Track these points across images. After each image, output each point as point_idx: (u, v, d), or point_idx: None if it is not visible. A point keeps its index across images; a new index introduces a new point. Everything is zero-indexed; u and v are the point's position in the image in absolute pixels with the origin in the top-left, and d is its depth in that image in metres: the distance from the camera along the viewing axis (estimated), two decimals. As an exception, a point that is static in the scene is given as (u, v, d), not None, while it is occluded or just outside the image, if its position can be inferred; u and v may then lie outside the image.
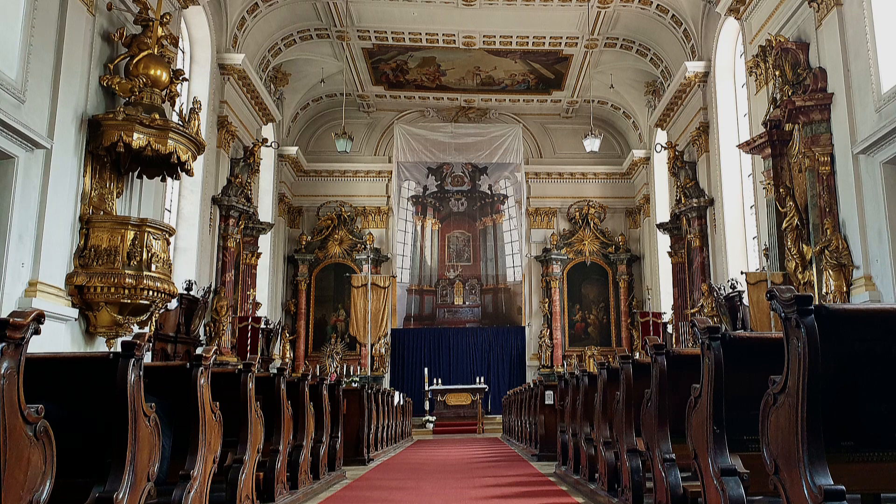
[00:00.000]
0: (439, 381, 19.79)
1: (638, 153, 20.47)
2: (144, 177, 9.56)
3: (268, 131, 18.25)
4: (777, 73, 10.86)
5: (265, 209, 18.08)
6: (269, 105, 17.25)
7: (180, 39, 11.64)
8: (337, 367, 19.34)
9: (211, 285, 14.06)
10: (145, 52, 9.10)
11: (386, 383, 19.42)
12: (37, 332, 2.51)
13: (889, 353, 2.76)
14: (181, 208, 13.86)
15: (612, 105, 21.11)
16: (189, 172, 9.40)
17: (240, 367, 4.78)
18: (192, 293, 12.71)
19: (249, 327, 15.14)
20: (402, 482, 7.29)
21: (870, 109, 9.17)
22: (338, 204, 21.36)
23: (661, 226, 17.85)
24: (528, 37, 17.60)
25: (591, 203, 21.61)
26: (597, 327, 21.07)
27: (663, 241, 18.36)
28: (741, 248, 14.55)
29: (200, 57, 14.33)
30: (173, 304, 11.35)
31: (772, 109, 11.13)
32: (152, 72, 9.02)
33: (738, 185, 14.77)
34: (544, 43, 17.82)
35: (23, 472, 2.45)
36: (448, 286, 23.22)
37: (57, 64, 8.09)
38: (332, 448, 7.76)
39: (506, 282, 23.29)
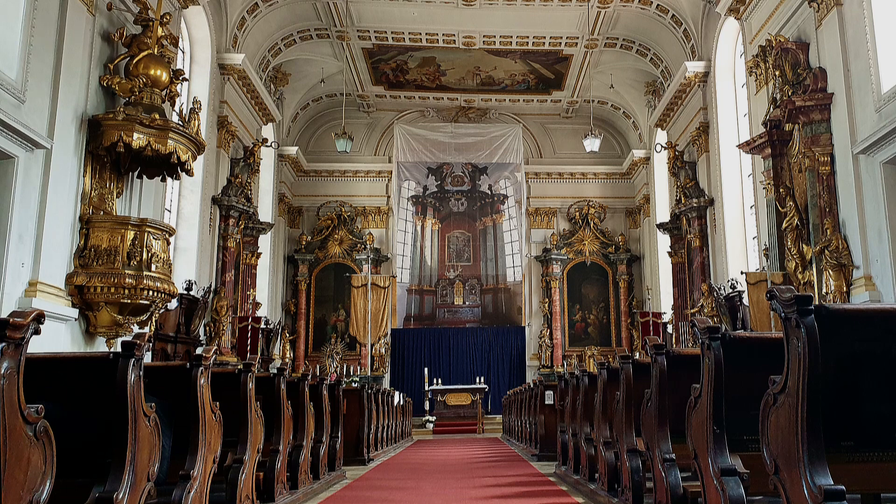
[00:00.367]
0: (439, 381, 19.79)
1: (638, 153, 20.48)
2: (144, 177, 9.56)
3: (268, 131, 18.25)
4: (777, 73, 10.86)
5: (265, 209, 18.08)
6: (269, 105, 17.25)
7: (180, 39, 11.64)
8: (337, 367, 19.34)
9: (211, 285, 14.06)
10: (145, 52, 9.10)
11: (386, 383, 19.42)
12: (37, 332, 2.51)
13: (889, 353, 2.76)
14: (181, 208, 13.86)
15: (612, 105, 21.11)
16: (189, 172, 9.40)
17: (240, 367, 4.77)
18: (192, 293, 12.71)
19: (249, 327, 15.14)
20: (402, 482, 7.29)
21: (870, 109, 9.17)
22: (338, 204, 21.36)
23: (661, 226, 17.85)
24: (528, 37, 17.60)
25: (591, 203, 21.61)
26: (597, 327, 21.07)
27: (663, 241, 18.36)
28: (741, 248, 14.55)
29: (200, 57, 14.33)
30: (173, 304, 11.35)
31: (772, 109, 11.13)
32: (152, 72, 9.02)
33: (738, 185, 14.77)
34: (544, 43, 17.82)
35: (23, 472, 2.45)
36: (448, 286, 23.22)
37: (57, 64, 8.09)
38: (332, 448, 7.76)
39: (506, 282, 23.29)
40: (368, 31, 17.30)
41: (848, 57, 9.66)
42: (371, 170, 21.82)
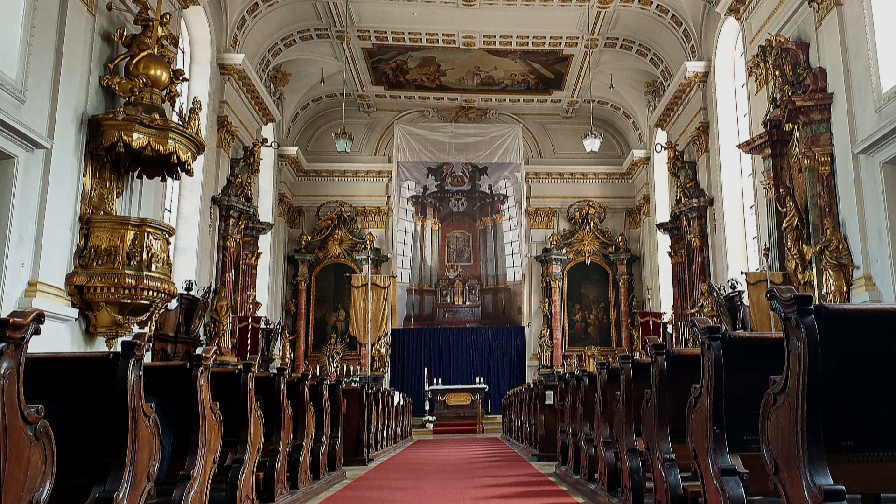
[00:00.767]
0: (439, 381, 19.79)
1: (638, 153, 20.48)
2: (144, 177, 9.56)
3: (268, 131, 18.25)
4: (777, 73, 10.86)
5: (265, 209, 18.08)
6: (269, 105, 17.25)
7: (180, 39, 11.64)
8: (337, 367, 19.34)
9: (211, 285, 14.06)
10: (145, 52, 9.10)
11: (386, 383, 19.42)
12: (37, 332, 2.51)
13: (889, 353, 2.76)
14: (181, 208, 13.86)
15: (612, 105, 21.11)
16: (189, 172, 9.40)
17: (240, 367, 4.77)
18: (192, 293, 12.71)
19: (249, 327, 15.14)
20: (402, 482, 7.29)
21: (870, 109, 9.17)
22: (338, 204, 21.36)
23: (661, 226, 17.85)
24: (528, 37, 17.60)
25: (591, 203, 21.61)
26: (597, 327, 21.07)
27: (663, 241, 18.36)
28: (741, 248, 14.55)
29: (200, 57, 14.33)
30: (173, 304, 11.35)
31: (772, 109, 11.13)
32: (152, 72, 9.02)
33: (738, 185, 14.77)
34: (544, 43, 17.82)
35: (23, 472, 2.45)
36: (448, 286, 23.22)
37: (57, 64, 8.09)
38: (332, 448, 7.76)
39: (506, 282, 23.29)
40: (368, 31, 17.30)
41: (848, 57, 9.66)
42: (371, 170, 21.82)
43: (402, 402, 14.90)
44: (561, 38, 17.60)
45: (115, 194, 9.11)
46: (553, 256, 20.99)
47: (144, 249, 8.51)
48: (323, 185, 21.66)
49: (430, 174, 23.18)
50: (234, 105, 15.47)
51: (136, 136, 8.50)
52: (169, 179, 10.00)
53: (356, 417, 9.72)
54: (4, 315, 2.45)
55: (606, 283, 21.21)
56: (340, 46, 17.89)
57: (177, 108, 9.59)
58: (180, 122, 9.14)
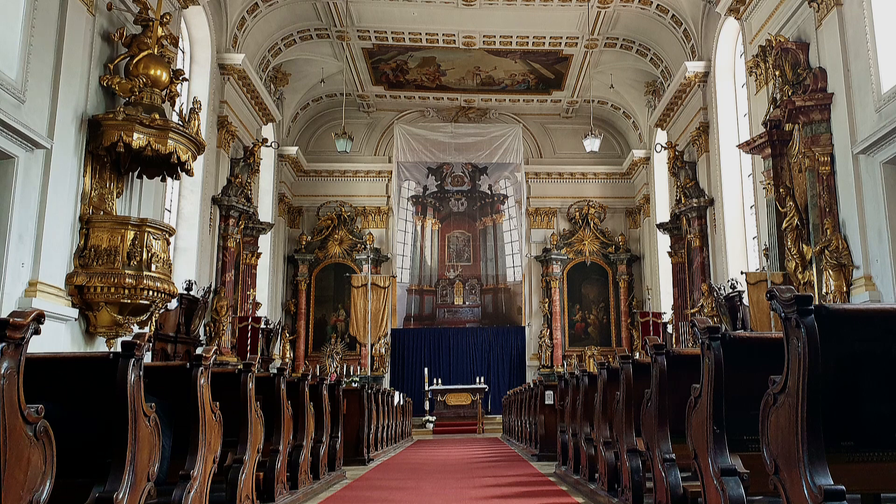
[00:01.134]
0: (439, 381, 19.79)
1: (638, 153, 20.48)
2: (144, 177, 9.56)
3: (268, 131, 18.25)
4: (777, 73, 10.86)
5: (265, 209, 18.08)
6: (269, 105, 17.25)
7: (180, 39, 11.64)
8: (337, 367, 19.34)
9: (211, 285, 14.06)
10: (145, 52, 9.10)
11: (386, 383, 19.42)
12: (37, 332, 2.51)
13: (889, 353, 2.76)
14: (181, 208, 13.86)
15: (612, 105, 21.11)
16: (189, 172, 9.40)
17: (240, 367, 4.77)
18: (192, 293, 12.70)
19: (249, 327, 15.14)
20: (402, 482, 7.29)
21: (870, 109, 9.17)
22: (338, 204, 21.36)
23: (661, 226, 17.85)
24: (528, 37, 17.60)
25: (591, 203, 21.61)
26: (597, 327, 21.07)
27: (663, 241, 18.36)
28: (741, 248, 14.55)
29: (200, 57, 14.33)
30: (173, 304, 11.35)
31: (772, 109, 11.13)
32: (152, 72, 9.02)
33: (738, 185, 14.77)
34: (544, 43, 17.82)
35: (23, 472, 2.45)
36: (448, 286, 23.23)
37: (57, 64, 8.09)
38: (332, 448, 7.76)
39: (506, 282, 23.29)
40: (368, 31, 17.30)
41: (848, 57, 9.66)
42: (371, 170, 21.82)
43: (402, 402, 14.90)
44: (561, 38, 17.60)
45: (115, 194, 9.11)
46: (553, 256, 20.99)
47: (144, 249, 8.51)
48: (323, 185, 21.66)
49: (430, 174, 23.18)
50: (234, 105, 15.48)
51: (136, 136, 8.50)
52: (169, 179, 10.00)
53: (356, 417, 9.72)
54: (4, 315, 2.45)
55: (606, 283, 21.21)
56: (340, 46, 17.89)
57: (177, 108, 9.59)
58: (180, 122, 9.14)
